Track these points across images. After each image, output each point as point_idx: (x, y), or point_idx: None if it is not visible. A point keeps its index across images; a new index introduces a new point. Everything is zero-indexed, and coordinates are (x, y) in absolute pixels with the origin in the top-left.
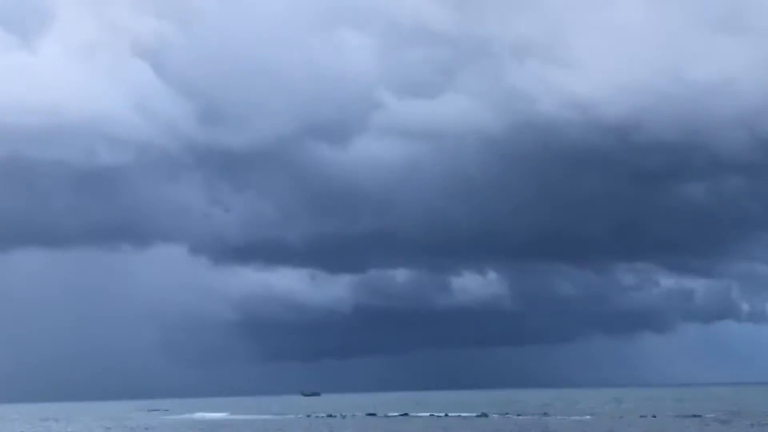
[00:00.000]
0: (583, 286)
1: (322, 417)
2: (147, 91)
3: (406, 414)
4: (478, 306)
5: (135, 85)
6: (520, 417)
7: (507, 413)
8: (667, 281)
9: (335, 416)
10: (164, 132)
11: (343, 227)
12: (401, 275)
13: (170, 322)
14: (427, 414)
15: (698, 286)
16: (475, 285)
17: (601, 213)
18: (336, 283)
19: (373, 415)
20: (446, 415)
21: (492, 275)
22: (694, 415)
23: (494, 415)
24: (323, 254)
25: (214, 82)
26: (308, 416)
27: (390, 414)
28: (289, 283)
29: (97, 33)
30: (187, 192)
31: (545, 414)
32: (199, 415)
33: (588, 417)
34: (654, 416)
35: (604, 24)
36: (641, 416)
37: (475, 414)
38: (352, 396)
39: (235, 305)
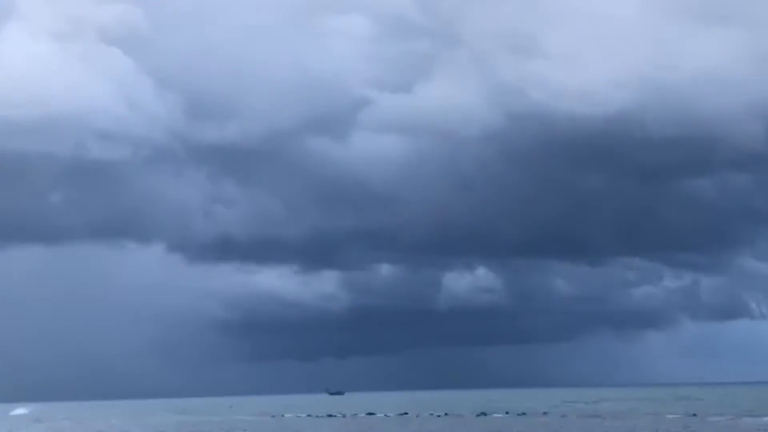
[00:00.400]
0: (583, 284)
1: (323, 417)
2: (122, 77)
3: (405, 413)
4: (478, 304)
5: (109, 72)
6: (519, 416)
7: (507, 412)
8: (670, 278)
9: (335, 416)
10: (141, 120)
11: (340, 223)
12: (397, 273)
13: (153, 320)
14: (427, 413)
15: (702, 282)
16: (476, 283)
17: (600, 208)
18: (333, 280)
19: (372, 414)
20: (446, 414)
21: (492, 273)
22: (694, 414)
23: (494, 415)
24: (320, 251)
25: (189, 71)
26: (308, 416)
27: (389, 414)
28: (282, 280)
29: (60, 21)
30: (174, 187)
31: (545, 413)
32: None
33: (589, 416)
34: (654, 415)
35: (591, 14)
36: (646, 415)
37: (474, 413)
38: (373, 395)
39: (227, 304)
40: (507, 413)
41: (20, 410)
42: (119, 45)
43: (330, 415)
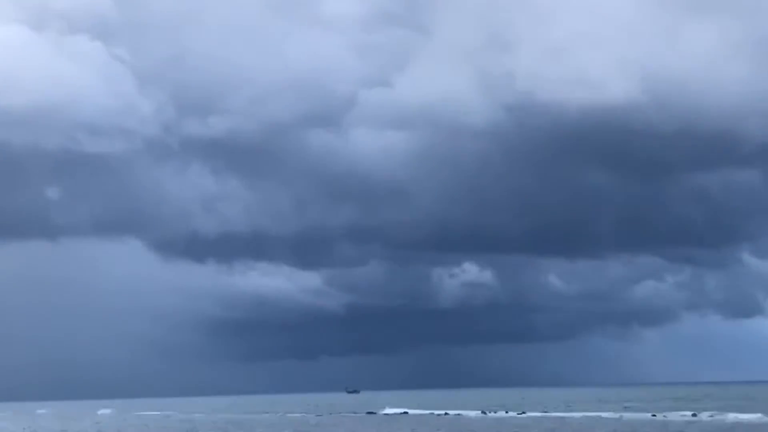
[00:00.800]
0: (584, 281)
1: (322, 416)
2: (105, 70)
3: (405, 412)
4: (478, 302)
5: (83, 62)
6: (520, 415)
7: (507, 411)
8: (674, 275)
9: (334, 415)
10: (122, 112)
11: (336, 221)
12: (395, 271)
13: (141, 319)
14: (427, 412)
15: (711, 280)
16: (475, 281)
17: (600, 203)
18: (333, 279)
19: (373, 413)
20: (446, 413)
21: (491, 271)
22: (693, 414)
23: (494, 414)
24: (318, 249)
25: (172, 64)
26: (307, 415)
27: (388, 412)
28: (279, 279)
29: (30, 10)
30: (165, 183)
31: (545, 412)
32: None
33: (589, 414)
34: (653, 415)
35: (582, 5)
36: (643, 415)
37: (475, 412)
38: (388, 393)
39: (223, 303)
40: (507, 412)
41: None
42: (102, 37)
43: (330, 414)
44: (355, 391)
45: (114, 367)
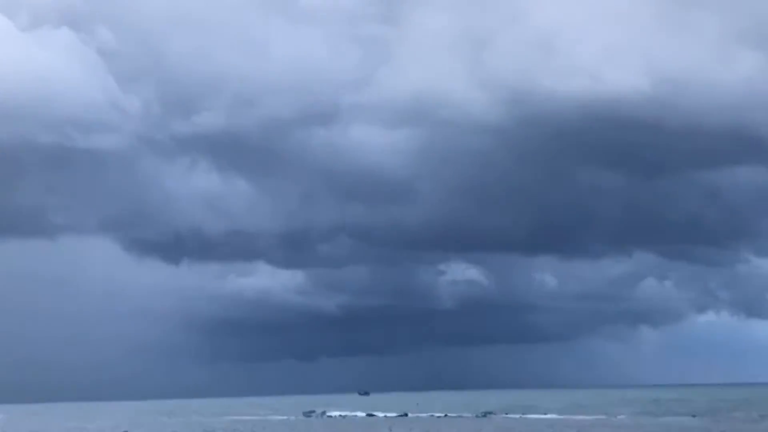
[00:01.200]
0: (586, 280)
1: (322, 417)
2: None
3: (405, 414)
4: (477, 302)
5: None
6: (521, 417)
7: (508, 413)
8: (677, 274)
9: (334, 416)
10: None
11: (333, 220)
12: (390, 271)
13: (131, 319)
14: (427, 414)
15: (716, 279)
16: (474, 281)
17: (601, 201)
18: (332, 279)
19: (373, 415)
20: (446, 415)
21: (491, 271)
22: (693, 415)
23: (495, 416)
24: (312, 249)
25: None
26: (308, 415)
27: (389, 414)
28: (275, 279)
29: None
30: (153, 181)
31: (545, 413)
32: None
33: (589, 417)
34: (654, 416)
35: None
36: (649, 416)
37: (475, 414)
38: (388, 395)
39: (219, 304)
40: (508, 414)
41: None
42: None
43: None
44: (366, 393)
45: (113, 368)
